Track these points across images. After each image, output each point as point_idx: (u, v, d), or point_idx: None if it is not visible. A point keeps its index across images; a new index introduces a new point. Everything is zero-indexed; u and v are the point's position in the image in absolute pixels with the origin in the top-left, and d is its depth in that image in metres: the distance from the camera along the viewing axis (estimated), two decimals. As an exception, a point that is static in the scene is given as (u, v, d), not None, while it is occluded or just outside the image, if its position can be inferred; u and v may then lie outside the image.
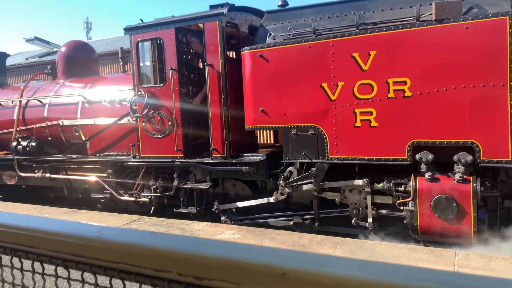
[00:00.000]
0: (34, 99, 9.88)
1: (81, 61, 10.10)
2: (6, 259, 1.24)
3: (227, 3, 7.01)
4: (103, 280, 1.04)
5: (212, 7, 7.21)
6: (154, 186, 7.82)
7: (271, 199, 6.81)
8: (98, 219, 7.64)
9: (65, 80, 9.96)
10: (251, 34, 7.55)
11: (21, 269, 1.23)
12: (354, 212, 6.14)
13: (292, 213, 6.82)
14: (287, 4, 6.99)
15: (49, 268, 1.13)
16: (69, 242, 1.02)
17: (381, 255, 5.11)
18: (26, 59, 20.00)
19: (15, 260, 1.20)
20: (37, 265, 1.15)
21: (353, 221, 6.18)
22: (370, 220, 5.98)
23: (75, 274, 1.09)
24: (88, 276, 1.07)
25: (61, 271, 1.11)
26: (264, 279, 0.77)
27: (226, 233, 6.44)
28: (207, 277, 0.83)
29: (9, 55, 12.44)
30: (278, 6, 7.00)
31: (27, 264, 1.19)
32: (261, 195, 7.15)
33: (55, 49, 18.00)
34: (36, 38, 19.54)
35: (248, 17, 7.59)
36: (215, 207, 7.23)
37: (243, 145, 7.29)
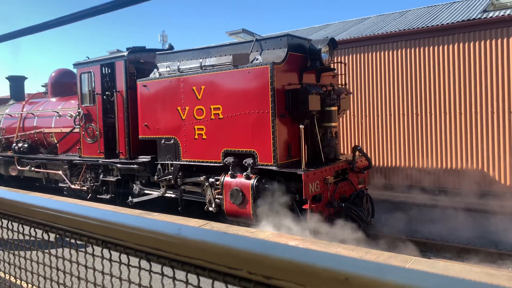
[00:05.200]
0: (29, 113, 13.26)
1: (64, 84, 13.32)
2: (97, 250, 1.37)
3: (132, 47, 9.75)
4: (180, 274, 1.11)
5: (127, 49, 9.98)
6: (90, 178, 10.69)
7: (160, 193, 9.30)
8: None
9: (51, 98, 13.23)
10: (159, 68, 10.18)
11: (110, 260, 1.36)
12: (207, 200, 8.47)
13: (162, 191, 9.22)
14: (173, 48, 9.58)
15: (133, 260, 1.24)
16: (152, 237, 1.11)
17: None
18: None
19: (105, 252, 1.32)
20: (123, 257, 1.26)
21: (205, 207, 8.49)
22: (213, 205, 8.28)
23: (156, 267, 1.19)
24: (166, 270, 1.17)
25: (143, 263, 1.21)
26: (328, 283, 0.80)
27: (290, 243, 6.51)
28: (275, 277, 0.88)
29: (26, 78, 16.13)
30: (167, 48, 9.61)
31: (115, 255, 1.31)
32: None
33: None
34: (118, 51, 23.00)
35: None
36: (129, 200, 9.84)
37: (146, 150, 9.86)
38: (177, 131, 8.64)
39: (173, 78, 8.62)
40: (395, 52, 11.64)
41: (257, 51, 7.88)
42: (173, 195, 9.14)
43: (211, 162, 8.15)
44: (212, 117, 8.05)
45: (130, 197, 9.79)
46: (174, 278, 1.16)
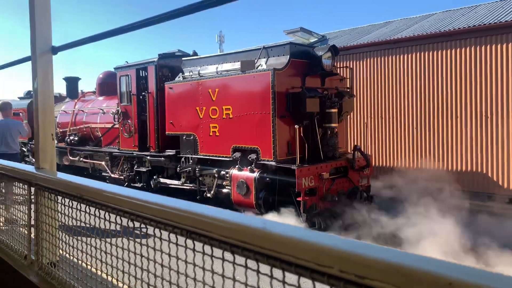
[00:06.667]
0: (79, 109, 15.03)
1: (109, 84, 14.92)
2: (181, 240, 1.41)
3: (163, 53, 10.98)
4: (264, 268, 1.10)
5: (159, 55, 11.25)
6: (126, 169, 12.11)
7: (180, 182, 10.50)
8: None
9: (99, 97, 14.90)
10: (187, 72, 11.35)
11: (193, 250, 1.39)
12: (207, 189, 9.57)
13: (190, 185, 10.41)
14: (196, 54, 10.70)
15: (217, 252, 1.26)
16: (237, 230, 1.13)
17: None
18: None
19: (189, 242, 1.36)
20: (207, 248, 1.29)
21: (204, 194, 9.60)
22: (212, 192, 9.35)
23: (239, 259, 1.18)
24: (250, 263, 1.16)
25: (226, 255, 1.23)
26: (430, 287, 0.77)
27: None
28: (369, 277, 0.85)
29: (80, 79, 18.08)
30: (191, 54, 10.75)
31: (198, 246, 1.33)
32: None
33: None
34: (179, 51, 24.65)
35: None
36: (152, 181, 11.14)
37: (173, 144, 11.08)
38: (196, 128, 9.75)
39: (193, 81, 9.74)
40: (463, 50, 10.70)
41: (264, 57, 8.78)
42: (190, 185, 10.26)
43: (222, 157, 9.17)
44: (224, 116, 9.06)
45: (154, 178, 11.02)
46: (258, 271, 1.15)
